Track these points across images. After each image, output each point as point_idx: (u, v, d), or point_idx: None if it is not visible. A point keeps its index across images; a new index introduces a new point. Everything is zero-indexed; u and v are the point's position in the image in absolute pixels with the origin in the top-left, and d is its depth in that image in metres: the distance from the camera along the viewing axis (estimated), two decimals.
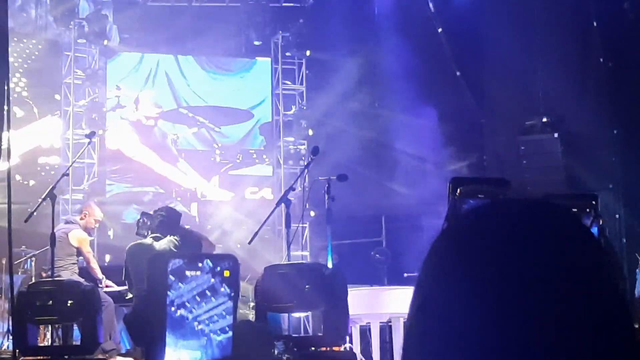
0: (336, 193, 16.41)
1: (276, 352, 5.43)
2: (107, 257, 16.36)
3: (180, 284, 3.29)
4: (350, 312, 13.42)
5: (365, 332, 14.28)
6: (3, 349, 12.01)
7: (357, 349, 14.13)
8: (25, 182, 16.92)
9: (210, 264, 3.32)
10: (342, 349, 13.75)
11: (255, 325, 5.18)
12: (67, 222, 11.98)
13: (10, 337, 9.50)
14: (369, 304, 13.51)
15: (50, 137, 17.35)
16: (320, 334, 6.96)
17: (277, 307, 6.57)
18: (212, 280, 3.40)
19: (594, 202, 2.35)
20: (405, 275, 15.63)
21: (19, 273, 13.76)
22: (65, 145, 17.19)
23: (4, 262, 13.17)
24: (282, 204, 7.95)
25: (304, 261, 15.81)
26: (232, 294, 3.18)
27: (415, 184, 17.48)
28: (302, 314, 11.21)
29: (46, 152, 17.34)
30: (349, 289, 13.71)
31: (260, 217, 13.16)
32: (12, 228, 7.89)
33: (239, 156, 19.06)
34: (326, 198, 8.18)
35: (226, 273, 3.28)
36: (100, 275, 11.73)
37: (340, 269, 7.02)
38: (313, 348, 6.27)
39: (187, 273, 3.30)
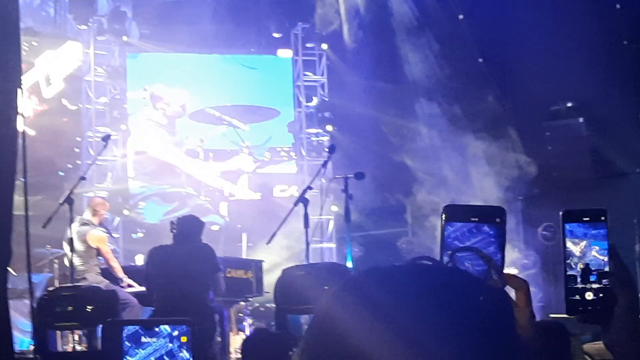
0: (361, 183, 16.41)
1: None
2: (138, 258, 16.38)
3: (136, 350, 3.23)
4: None
5: None
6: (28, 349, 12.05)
7: None
8: (74, 107, 17.14)
9: (168, 329, 3.27)
10: None
11: (270, 334, 5.09)
12: (82, 224, 11.80)
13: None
14: None
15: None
16: None
17: (297, 309, 6.51)
18: (170, 345, 3.34)
19: (498, 220, 2.28)
20: None
21: (45, 272, 13.78)
22: (87, 144, 17.17)
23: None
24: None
25: (323, 261, 15.78)
26: (191, 359, 3.18)
27: (440, 173, 17.37)
28: None
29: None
30: None
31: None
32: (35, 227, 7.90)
33: (267, 154, 18.96)
34: (344, 197, 8.07)
35: (183, 339, 3.20)
36: (121, 274, 11.58)
37: (359, 269, 6.92)
38: None
39: (144, 339, 3.25)
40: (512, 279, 2.30)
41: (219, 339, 11.44)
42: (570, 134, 16.40)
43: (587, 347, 6.59)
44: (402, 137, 17.55)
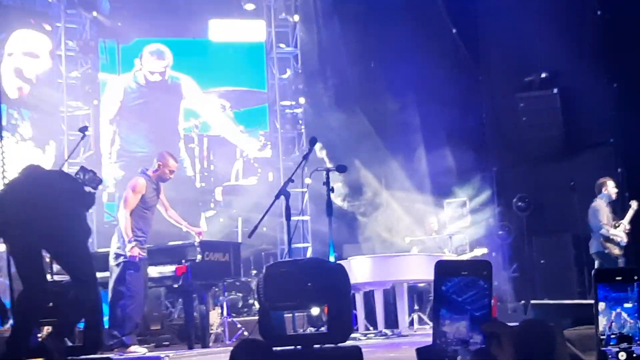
0: (336, 154, 16.38)
1: None
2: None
3: None
4: (355, 280, 13.50)
5: (369, 298, 14.33)
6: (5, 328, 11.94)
7: (361, 314, 14.19)
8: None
9: None
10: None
11: (258, 344, 5.10)
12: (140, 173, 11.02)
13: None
14: (372, 273, 13.53)
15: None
16: (324, 331, 6.91)
17: (280, 305, 6.50)
18: None
19: (485, 272, 2.43)
20: (408, 240, 15.61)
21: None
22: (59, 118, 17.00)
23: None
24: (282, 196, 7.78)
25: (305, 257, 15.77)
26: None
27: (412, 144, 17.40)
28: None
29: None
30: (352, 258, 13.77)
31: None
32: None
33: (261, 138, 18.83)
34: (326, 190, 8.01)
35: None
36: (129, 232, 10.56)
37: (342, 265, 6.92)
38: (318, 345, 6.19)
39: None
40: (498, 326, 2.42)
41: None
42: (544, 104, 16.46)
43: (567, 332, 6.60)
44: (375, 109, 17.54)
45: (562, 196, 15.67)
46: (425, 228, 16.23)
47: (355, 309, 14.46)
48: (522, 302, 14.81)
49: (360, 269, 13.57)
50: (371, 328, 14.02)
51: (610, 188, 14.09)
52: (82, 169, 7.79)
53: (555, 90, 16.38)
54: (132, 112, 18.12)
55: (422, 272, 13.42)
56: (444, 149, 16.88)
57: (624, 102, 15.75)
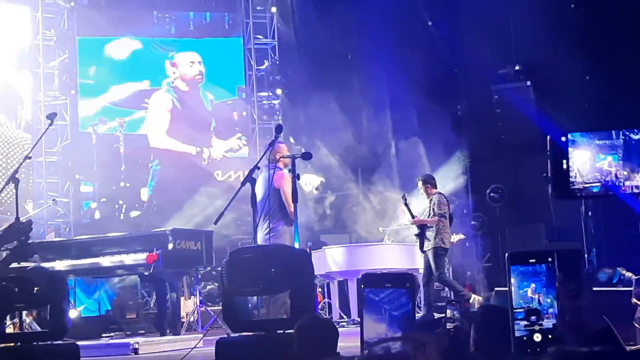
0: (317, 148, 16.46)
1: None
2: None
3: None
4: (329, 269, 13.63)
5: (343, 287, 14.47)
6: None
7: (335, 303, 14.34)
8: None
9: None
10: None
11: (321, 320, 5.27)
12: (271, 167, 9.64)
13: None
14: (345, 262, 13.68)
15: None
16: (287, 317, 7.00)
17: (244, 291, 6.59)
18: None
19: (408, 284, 2.51)
20: (381, 229, 15.71)
21: None
22: (37, 107, 17.03)
23: None
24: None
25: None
26: None
27: (387, 136, 17.51)
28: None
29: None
30: (327, 248, 13.90)
31: None
32: None
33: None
34: (291, 176, 8.09)
35: None
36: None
37: (306, 251, 7.01)
38: (281, 331, 6.29)
39: None
40: (423, 335, 2.51)
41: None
42: (518, 97, 16.57)
43: None
44: (351, 101, 17.59)
45: (536, 187, 15.80)
46: (398, 216, 16.34)
47: (330, 298, 14.61)
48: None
49: (334, 259, 13.72)
50: (345, 317, 14.15)
51: None
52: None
53: (529, 83, 16.51)
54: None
55: (395, 261, 13.57)
56: (418, 139, 16.99)
57: (596, 94, 15.87)
